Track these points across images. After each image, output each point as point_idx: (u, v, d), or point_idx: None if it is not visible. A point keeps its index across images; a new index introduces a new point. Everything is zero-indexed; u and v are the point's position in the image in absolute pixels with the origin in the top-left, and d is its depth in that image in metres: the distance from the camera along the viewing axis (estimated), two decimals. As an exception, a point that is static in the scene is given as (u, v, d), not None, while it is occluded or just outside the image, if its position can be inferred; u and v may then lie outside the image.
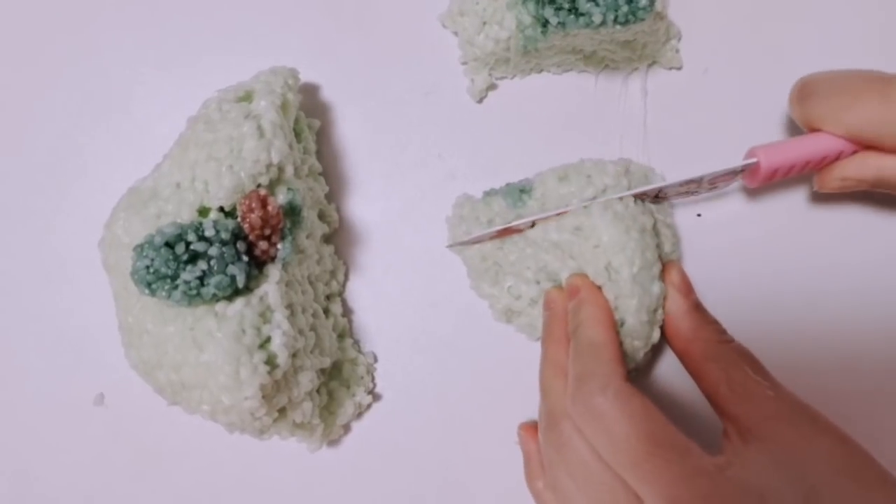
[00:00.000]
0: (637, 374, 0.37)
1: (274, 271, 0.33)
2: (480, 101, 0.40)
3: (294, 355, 0.32)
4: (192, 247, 0.30)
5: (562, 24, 0.34)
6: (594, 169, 0.36)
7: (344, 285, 0.40)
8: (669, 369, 0.38)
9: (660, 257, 0.35)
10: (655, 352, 0.37)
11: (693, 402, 0.37)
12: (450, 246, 0.39)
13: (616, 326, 0.33)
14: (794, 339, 0.38)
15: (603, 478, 0.28)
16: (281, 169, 0.34)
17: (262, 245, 0.32)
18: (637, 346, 0.34)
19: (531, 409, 0.35)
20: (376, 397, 0.39)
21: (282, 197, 0.33)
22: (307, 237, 0.36)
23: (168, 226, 0.31)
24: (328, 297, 0.38)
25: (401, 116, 0.40)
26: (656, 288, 0.34)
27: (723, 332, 0.33)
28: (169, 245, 0.30)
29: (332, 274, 0.39)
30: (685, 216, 0.39)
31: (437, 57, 0.40)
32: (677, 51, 0.40)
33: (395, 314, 0.39)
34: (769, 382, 0.30)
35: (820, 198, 0.39)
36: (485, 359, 0.39)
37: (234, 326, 0.31)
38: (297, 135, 0.38)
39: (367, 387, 0.38)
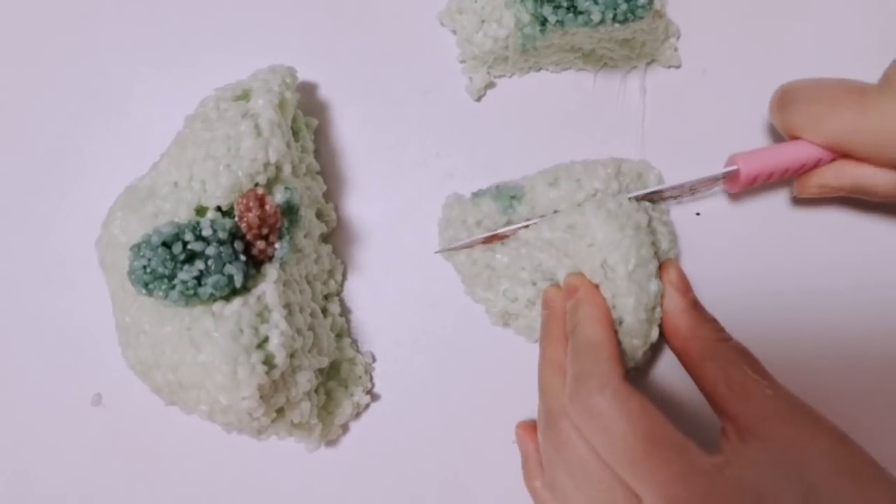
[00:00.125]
0: (636, 372, 0.37)
1: (272, 271, 0.33)
2: (479, 99, 0.40)
3: (292, 355, 0.32)
4: (189, 246, 0.30)
5: (560, 23, 0.34)
6: (584, 173, 0.36)
7: (342, 285, 0.39)
8: (668, 368, 0.38)
9: (657, 255, 0.35)
10: (654, 350, 0.37)
11: (691, 400, 0.37)
12: (438, 252, 0.39)
13: (614, 325, 0.33)
14: (791, 337, 0.38)
15: (601, 477, 0.28)
16: (279, 168, 0.34)
17: (260, 244, 0.32)
18: (636, 344, 0.34)
19: (530, 408, 0.35)
20: (374, 397, 0.39)
21: (279, 196, 0.33)
22: (305, 236, 0.36)
23: (165, 225, 0.31)
24: (326, 297, 0.38)
25: (399, 115, 0.40)
26: (654, 286, 0.34)
27: (721, 330, 0.33)
28: (166, 245, 0.30)
29: (330, 273, 0.39)
30: (684, 214, 0.39)
31: (435, 55, 0.40)
32: (676, 49, 0.40)
33: (394, 314, 0.39)
34: (767, 381, 0.30)
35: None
36: (483, 359, 0.39)
37: (232, 326, 0.30)
38: (295, 133, 0.38)
39: (365, 387, 0.38)
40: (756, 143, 0.39)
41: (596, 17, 0.33)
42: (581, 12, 0.33)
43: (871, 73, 0.34)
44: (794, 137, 0.35)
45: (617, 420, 0.28)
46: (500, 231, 0.37)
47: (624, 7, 0.33)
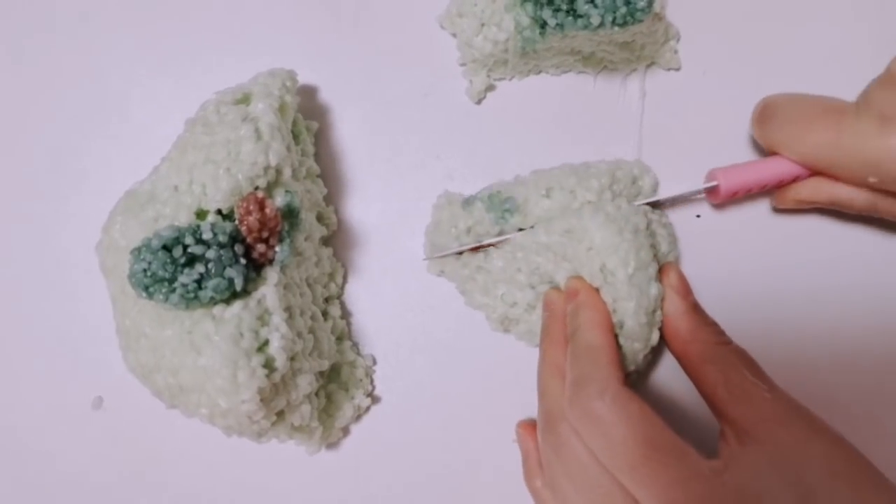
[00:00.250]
0: (637, 376, 0.37)
1: (272, 274, 0.33)
2: (479, 102, 0.40)
3: (292, 358, 0.32)
4: (189, 250, 0.30)
5: (560, 26, 0.34)
6: (578, 184, 0.36)
7: (342, 288, 0.39)
8: (668, 371, 0.38)
9: (656, 258, 0.35)
10: (655, 354, 0.37)
11: (691, 403, 0.37)
12: (426, 259, 0.39)
13: (614, 330, 0.33)
14: (791, 339, 0.38)
15: (600, 481, 0.29)
16: (279, 171, 0.34)
17: (260, 248, 0.32)
18: (637, 348, 0.34)
19: (530, 410, 0.35)
20: (375, 400, 0.39)
21: (280, 199, 0.33)
22: (305, 239, 0.36)
23: (165, 229, 0.31)
24: (327, 300, 0.38)
25: (399, 118, 0.40)
26: (654, 289, 0.34)
27: (721, 333, 0.33)
28: (166, 248, 0.30)
29: (331, 276, 0.39)
30: (684, 217, 0.39)
31: (435, 58, 0.40)
32: (676, 52, 0.40)
33: (394, 316, 0.39)
34: (767, 385, 0.30)
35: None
36: (484, 361, 0.39)
37: (232, 329, 0.30)
38: (296, 137, 0.38)
39: (365, 389, 0.38)
40: (755, 146, 0.39)
41: (595, 20, 0.33)
42: (580, 16, 0.33)
43: (870, 77, 0.34)
44: (774, 152, 0.36)
45: (616, 425, 0.28)
46: (488, 242, 0.37)
47: (623, 10, 0.33)
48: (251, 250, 0.32)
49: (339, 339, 0.38)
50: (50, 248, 0.40)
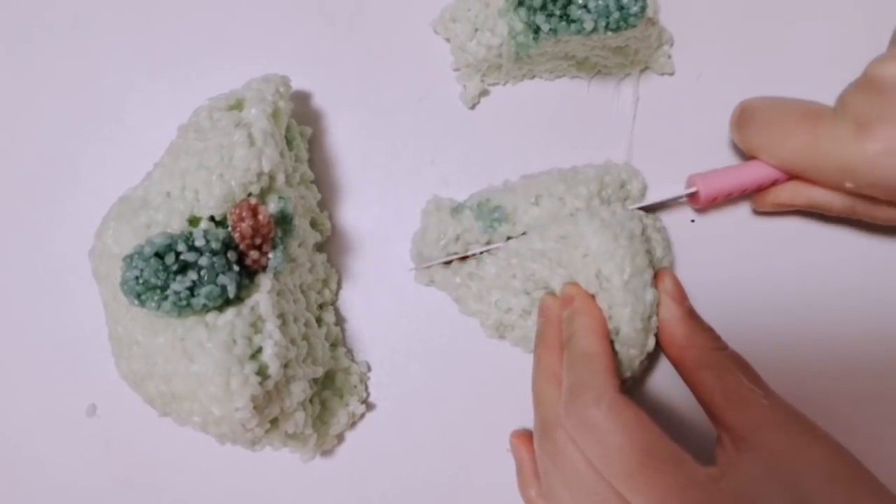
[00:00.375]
0: (633, 382, 0.37)
1: (265, 281, 0.32)
2: (473, 107, 0.40)
3: (286, 365, 0.32)
4: (182, 257, 0.30)
5: (553, 31, 0.34)
6: (567, 192, 0.36)
7: (337, 294, 0.39)
8: (664, 376, 0.38)
9: (651, 263, 0.35)
10: (650, 359, 0.37)
11: (687, 409, 0.37)
12: (413, 270, 0.39)
13: (610, 336, 0.33)
14: (787, 343, 0.38)
15: (597, 488, 0.28)
16: (272, 177, 0.33)
17: (253, 254, 0.32)
18: (633, 354, 0.34)
19: (526, 417, 0.35)
20: (370, 407, 0.38)
21: (273, 205, 0.33)
22: (299, 246, 0.36)
23: (158, 236, 0.30)
24: (321, 306, 0.38)
25: (393, 123, 0.40)
26: (649, 295, 0.34)
27: (717, 339, 0.33)
28: (158, 255, 0.30)
29: (325, 282, 0.38)
30: (678, 221, 0.39)
31: (429, 63, 0.40)
32: (670, 56, 0.40)
33: (389, 323, 0.39)
34: (763, 390, 0.30)
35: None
36: (479, 367, 0.38)
37: (225, 337, 0.30)
38: (289, 143, 0.38)
39: (360, 396, 0.38)
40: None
41: (588, 25, 0.33)
42: (574, 21, 0.33)
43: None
44: (751, 155, 0.36)
45: (612, 433, 0.28)
46: (474, 251, 0.37)
47: (616, 15, 0.33)
48: (244, 257, 0.32)
49: (334, 345, 0.38)
50: (43, 254, 0.40)
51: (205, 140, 0.33)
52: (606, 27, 0.33)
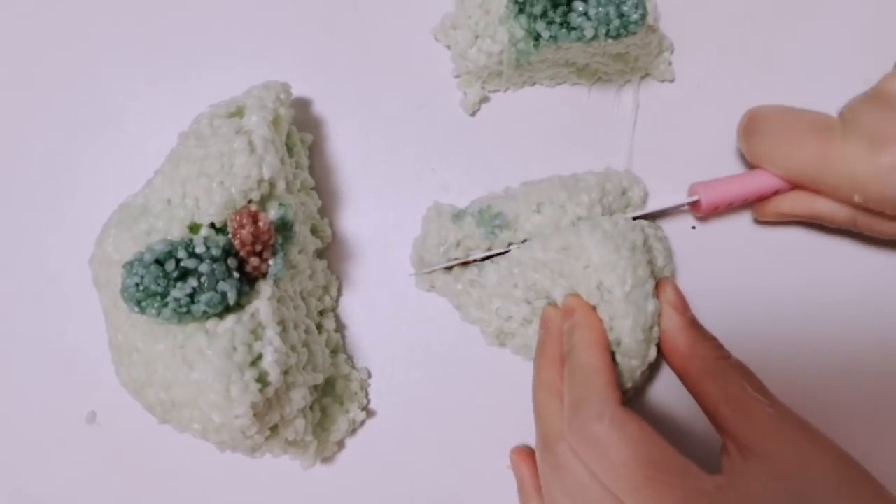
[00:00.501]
0: (635, 392, 0.37)
1: (265, 287, 0.32)
2: (474, 114, 0.40)
3: (286, 372, 0.32)
4: (182, 264, 0.30)
5: (553, 38, 0.34)
6: (568, 199, 0.36)
7: (337, 300, 0.39)
8: (666, 385, 0.38)
9: (653, 274, 0.35)
10: (652, 369, 0.37)
11: (690, 417, 0.37)
12: (413, 275, 0.39)
13: (610, 349, 0.33)
14: (789, 351, 0.38)
15: (602, 501, 0.28)
16: (272, 184, 0.33)
17: (254, 261, 0.32)
18: (634, 365, 0.34)
19: (526, 425, 0.35)
20: (370, 413, 0.38)
21: (273, 212, 0.33)
22: (299, 252, 0.36)
23: (158, 243, 0.30)
24: (321, 313, 0.38)
25: (394, 130, 0.40)
26: (651, 305, 0.34)
27: (720, 348, 0.33)
28: (159, 262, 0.30)
29: (325, 289, 0.38)
30: (679, 229, 0.39)
31: (429, 70, 0.40)
32: (670, 63, 0.40)
33: (390, 329, 0.39)
34: (768, 399, 0.30)
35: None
36: (480, 374, 0.38)
37: (225, 344, 0.30)
38: (290, 149, 0.38)
39: (360, 403, 0.38)
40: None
41: (589, 32, 0.33)
42: (574, 28, 0.33)
43: (861, 89, 0.35)
44: (756, 164, 0.36)
45: (616, 446, 0.28)
46: (475, 258, 0.37)
47: (617, 22, 0.33)
48: (244, 264, 0.32)
49: (334, 352, 0.38)
50: (43, 261, 0.40)
51: (205, 147, 0.33)
52: (607, 35, 0.33)
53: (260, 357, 0.31)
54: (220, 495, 0.38)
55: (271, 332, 0.32)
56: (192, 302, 0.30)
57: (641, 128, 0.40)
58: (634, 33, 0.34)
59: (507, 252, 0.37)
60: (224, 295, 0.30)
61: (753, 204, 0.38)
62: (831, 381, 0.38)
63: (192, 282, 0.30)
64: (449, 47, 0.40)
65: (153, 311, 0.30)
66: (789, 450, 0.28)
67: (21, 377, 0.39)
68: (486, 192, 0.39)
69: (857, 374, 0.38)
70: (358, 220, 0.40)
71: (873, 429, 0.37)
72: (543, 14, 0.34)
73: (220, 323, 0.31)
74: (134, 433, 0.38)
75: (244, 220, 0.31)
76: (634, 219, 0.37)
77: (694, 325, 0.34)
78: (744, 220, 0.39)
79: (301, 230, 0.36)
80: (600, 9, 0.33)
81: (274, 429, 0.33)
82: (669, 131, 0.40)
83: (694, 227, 0.39)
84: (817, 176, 0.34)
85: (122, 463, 0.38)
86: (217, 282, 0.30)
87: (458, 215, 0.37)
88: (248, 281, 0.32)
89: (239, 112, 0.35)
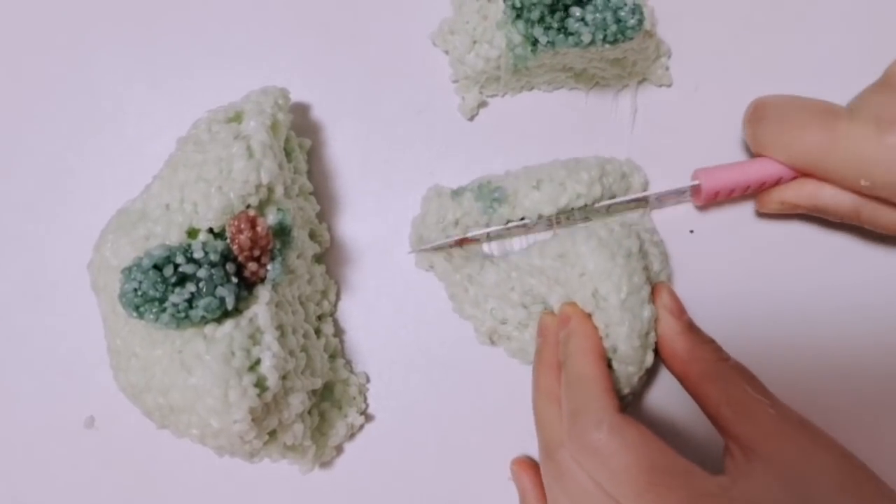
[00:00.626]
0: (633, 397, 0.37)
1: (264, 292, 0.33)
2: (472, 118, 0.40)
3: (284, 377, 0.32)
4: (180, 269, 0.30)
5: (551, 44, 0.34)
6: (568, 177, 0.36)
7: (335, 305, 0.39)
8: (664, 389, 0.38)
9: (649, 279, 0.35)
10: (650, 373, 0.37)
11: (690, 419, 0.37)
12: (412, 252, 0.38)
13: (606, 357, 0.33)
14: (788, 354, 0.38)
15: None
16: (271, 189, 0.34)
17: (252, 266, 0.32)
18: (631, 371, 0.34)
19: (526, 429, 0.35)
20: (369, 418, 0.38)
21: (271, 217, 0.33)
22: (298, 257, 0.36)
23: (156, 248, 0.31)
24: (319, 318, 0.38)
25: (392, 134, 0.40)
26: (646, 312, 0.34)
27: (719, 350, 0.33)
28: (157, 267, 0.30)
29: (324, 294, 0.38)
30: (676, 232, 0.39)
31: (428, 75, 0.40)
32: (667, 68, 0.40)
33: (388, 334, 0.39)
34: (769, 400, 0.30)
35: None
36: (479, 379, 0.38)
37: (223, 349, 0.30)
38: (288, 154, 0.38)
39: (359, 407, 0.38)
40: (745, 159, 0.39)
41: (586, 37, 0.33)
42: (571, 33, 0.34)
43: (860, 90, 0.35)
44: (760, 153, 0.36)
45: (617, 454, 0.28)
46: (474, 234, 0.37)
47: (614, 28, 0.33)
48: (243, 269, 0.32)
49: (332, 356, 0.38)
50: (41, 266, 0.40)
51: (204, 152, 0.33)
52: (604, 40, 0.33)
53: (258, 362, 0.31)
54: (218, 500, 0.38)
55: (270, 337, 0.32)
56: (191, 307, 0.30)
57: (639, 132, 0.40)
58: (631, 38, 0.34)
59: (505, 227, 0.37)
60: (222, 300, 0.30)
61: (755, 194, 0.37)
62: (831, 382, 0.38)
63: (191, 287, 0.30)
64: (447, 52, 0.40)
65: (151, 317, 0.30)
66: (792, 449, 0.28)
67: (20, 382, 0.39)
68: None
69: (857, 375, 0.38)
70: (356, 224, 0.40)
71: (873, 429, 0.37)
72: (541, 19, 0.34)
73: (219, 328, 0.31)
74: (132, 438, 0.38)
75: (242, 225, 0.31)
76: (635, 201, 0.37)
77: (691, 328, 0.34)
78: (740, 221, 0.39)
79: (299, 235, 0.36)
80: (597, 14, 0.33)
81: (272, 433, 0.33)
82: (667, 135, 0.40)
83: (692, 231, 0.39)
84: (823, 160, 0.33)
85: (120, 468, 0.38)
86: (215, 287, 0.30)
87: (457, 192, 0.37)
88: (247, 286, 0.32)
89: (237, 117, 0.35)
